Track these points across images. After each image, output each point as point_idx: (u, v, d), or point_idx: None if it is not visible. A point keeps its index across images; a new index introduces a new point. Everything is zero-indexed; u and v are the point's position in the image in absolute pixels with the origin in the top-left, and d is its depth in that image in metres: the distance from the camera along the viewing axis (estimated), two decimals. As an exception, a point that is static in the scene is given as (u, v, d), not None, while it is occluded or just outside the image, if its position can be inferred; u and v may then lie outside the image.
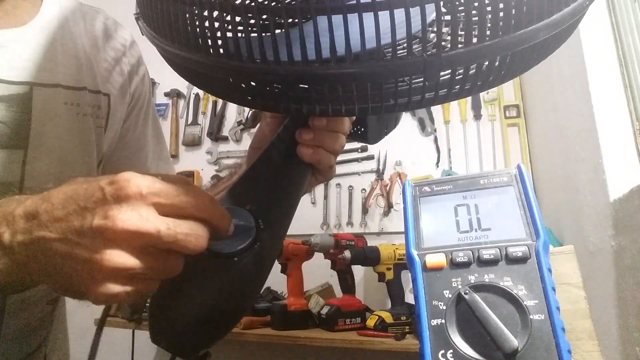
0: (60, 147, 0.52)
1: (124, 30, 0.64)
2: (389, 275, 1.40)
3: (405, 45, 0.33)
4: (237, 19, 0.32)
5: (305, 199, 1.91)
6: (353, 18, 0.25)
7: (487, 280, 0.26)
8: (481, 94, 1.86)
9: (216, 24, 0.33)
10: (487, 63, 0.29)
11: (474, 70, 0.29)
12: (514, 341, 0.24)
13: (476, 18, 0.26)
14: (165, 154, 0.72)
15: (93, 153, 0.56)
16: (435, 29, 0.28)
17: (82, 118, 0.54)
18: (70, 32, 0.55)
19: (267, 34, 0.30)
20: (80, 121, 0.53)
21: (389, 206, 1.81)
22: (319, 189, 1.94)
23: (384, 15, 0.25)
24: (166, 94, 2.30)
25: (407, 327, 1.31)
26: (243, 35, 0.31)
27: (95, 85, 0.56)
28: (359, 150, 1.91)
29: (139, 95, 0.64)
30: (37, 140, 0.49)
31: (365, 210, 1.86)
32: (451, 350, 0.25)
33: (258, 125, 0.51)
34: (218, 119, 2.16)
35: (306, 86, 0.32)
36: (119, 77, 0.60)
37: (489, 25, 0.27)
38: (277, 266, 0.49)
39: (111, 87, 0.58)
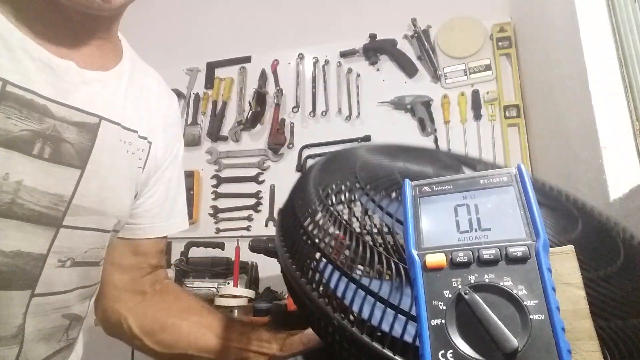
0: (111, 175, 0.60)
1: (177, 109, 0.80)
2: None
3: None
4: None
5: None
6: None
7: (487, 280, 0.26)
8: (481, 94, 1.86)
9: None
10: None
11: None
12: (514, 341, 0.24)
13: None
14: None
15: (133, 187, 0.66)
16: None
17: (130, 156, 0.64)
18: (138, 86, 0.67)
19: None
20: (129, 158, 0.64)
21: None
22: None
23: None
24: (166, 94, 2.30)
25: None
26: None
27: (144, 132, 0.67)
28: (359, 141, 1.92)
29: (169, 162, 0.74)
30: (93, 165, 0.57)
31: (365, 210, 1.86)
32: (451, 350, 0.25)
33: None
34: (218, 119, 2.16)
35: None
36: (163, 132, 0.71)
37: None
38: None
39: (155, 138, 0.69)
